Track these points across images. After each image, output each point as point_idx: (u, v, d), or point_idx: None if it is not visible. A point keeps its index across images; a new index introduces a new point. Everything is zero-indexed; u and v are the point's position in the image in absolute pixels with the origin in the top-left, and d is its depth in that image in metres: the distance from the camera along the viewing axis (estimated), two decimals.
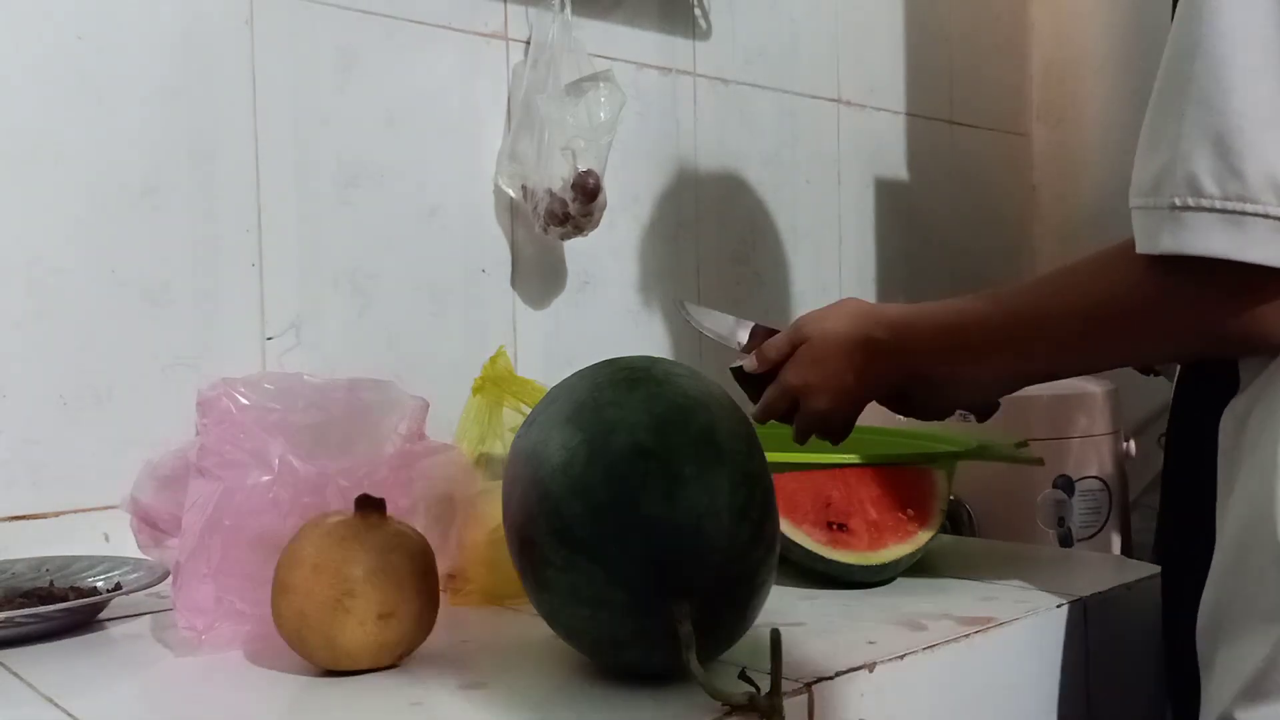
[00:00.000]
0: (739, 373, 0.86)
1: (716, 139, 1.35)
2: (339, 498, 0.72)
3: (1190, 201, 0.57)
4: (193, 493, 0.70)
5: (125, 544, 0.83)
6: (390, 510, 0.67)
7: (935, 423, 0.86)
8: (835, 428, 0.83)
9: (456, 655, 0.68)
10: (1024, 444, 0.93)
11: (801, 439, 0.84)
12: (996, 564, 0.90)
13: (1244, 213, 0.56)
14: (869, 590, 0.82)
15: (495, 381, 0.96)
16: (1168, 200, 0.58)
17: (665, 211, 1.29)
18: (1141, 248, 0.61)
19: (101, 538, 0.89)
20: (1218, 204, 0.57)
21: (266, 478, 0.70)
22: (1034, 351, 0.73)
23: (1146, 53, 1.60)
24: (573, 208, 1.07)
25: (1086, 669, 0.77)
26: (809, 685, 0.60)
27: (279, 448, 0.71)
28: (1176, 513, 0.78)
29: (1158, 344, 0.67)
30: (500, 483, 0.67)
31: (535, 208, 1.09)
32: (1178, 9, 0.60)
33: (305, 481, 0.72)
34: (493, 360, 0.97)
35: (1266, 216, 0.56)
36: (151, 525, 0.78)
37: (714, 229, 1.34)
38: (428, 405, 0.81)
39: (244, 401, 0.72)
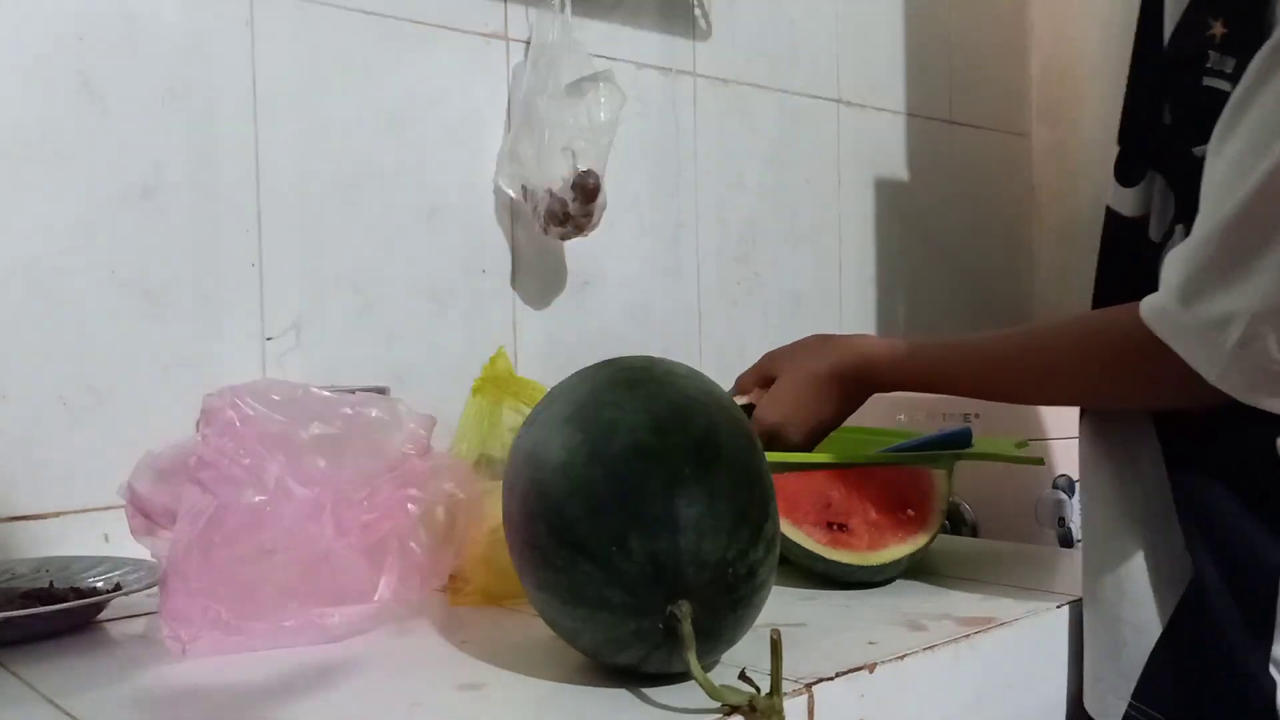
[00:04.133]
0: None
1: (716, 139, 1.34)
2: (333, 521, 0.71)
3: (1256, 356, 0.58)
4: (187, 503, 0.69)
5: (125, 544, 0.83)
6: (391, 527, 0.66)
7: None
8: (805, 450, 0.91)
9: (456, 655, 0.68)
10: (1024, 444, 0.93)
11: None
12: (996, 564, 0.90)
13: None
14: (869, 590, 0.82)
15: (495, 382, 0.96)
16: (1234, 343, 0.59)
17: (665, 211, 1.29)
18: (1185, 355, 0.61)
19: (101, 538, 0.89)
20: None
21: (260, 498, 0.69)
22: (1024, 389, 0.78)
23: None
24: (573, 208, 1.07)
25: None
26: (809, 685, 0.60)
27: (277, 468, 0.70)
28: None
29: (1158, 400, 0.69)
30: (500, 483, 0.67)
31: (535, 208, 1.09)
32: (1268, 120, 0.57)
33: (300, 504, 0.70)
34: (493, 361, 0.97)
35: None
36: (145, 515, 0.78)
37: (714, 229, 1.34)
38: (434, 421, 0.80)
39: (249, 413, 0.71)
